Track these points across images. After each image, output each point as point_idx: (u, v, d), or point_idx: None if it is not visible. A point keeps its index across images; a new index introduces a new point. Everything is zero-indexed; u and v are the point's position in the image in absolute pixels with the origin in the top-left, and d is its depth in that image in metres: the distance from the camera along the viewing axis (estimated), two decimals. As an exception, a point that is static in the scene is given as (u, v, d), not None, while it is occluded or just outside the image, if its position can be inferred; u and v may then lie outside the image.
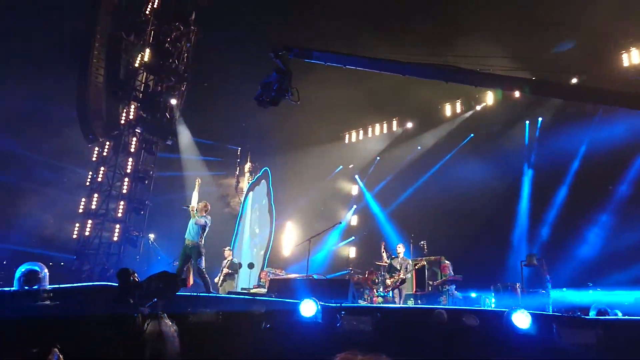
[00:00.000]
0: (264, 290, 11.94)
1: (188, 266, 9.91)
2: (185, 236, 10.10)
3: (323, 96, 15.92)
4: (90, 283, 10.55)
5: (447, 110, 19.84)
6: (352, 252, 21.41)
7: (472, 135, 19.24)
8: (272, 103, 7.91)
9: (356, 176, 23.39)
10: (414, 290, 13.15)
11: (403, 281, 12.37)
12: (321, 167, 22.70)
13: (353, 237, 21.73)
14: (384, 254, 13.25)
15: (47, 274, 6.72)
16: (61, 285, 7.21)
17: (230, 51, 19.51)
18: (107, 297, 6.06)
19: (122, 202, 17.03)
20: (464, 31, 15.12)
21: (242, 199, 20.95)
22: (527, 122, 17.85)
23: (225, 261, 13.67)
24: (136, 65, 18.19)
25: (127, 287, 5.55)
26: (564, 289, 12.21)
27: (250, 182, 21.17)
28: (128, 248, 17.23)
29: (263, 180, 20.35)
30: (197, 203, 10.28)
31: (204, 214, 10.18)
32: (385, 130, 22.04)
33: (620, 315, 8.54)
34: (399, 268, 12.49)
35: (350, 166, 23.55)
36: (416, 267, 12.96)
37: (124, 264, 15.37)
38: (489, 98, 18.51)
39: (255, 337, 7.24)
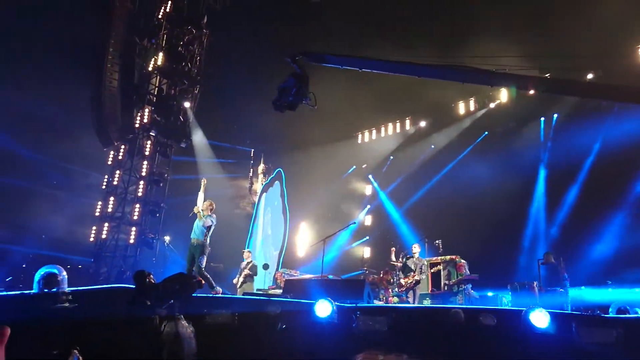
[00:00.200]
0: (279, 291, 11.97)
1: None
2: (191, 235, 10.19)
3: (336, 96, 15.89)
4: (108, 285, 10.69)
5: (461, 108, 19.67)
6: (366, 252, 21.37)
7: (486, 133, 19.08)
8: (290, 107, 7.94)
9: (369, 176, 23.34)
10: (430, 289, 13.07)
11: (417, 282, 12.29)
12: (335, 167, 22.69)
13: (367, 237, 21.69)
14: (393, 257, 13.24)
15: (66, 276, 6.83)
16: (79, 288, 7.32)
17: (241, 53, 19.62)
18: (125, 299, 6.12)
19: (137, 205, 17.18)
20: (474, 31, 15.03)
21: (256, 200, 21.03)
22: (542, 119, 17.66)
23: (245, 263, 13.70)
24: (150, 69, 18.36)
25: (144, 289, 5.61)
26: (582, 288, 12.06)
27: (264, 183, 21.24)
28: (144, 250, 17.37)
29: (277, 181, 20.38)
30: (203, 202, 10.35)
31: (209, 213, 10.23)
32: (398, 130, 21.94)
33: (640, 314, 8.42)
34: (413, 268, 12.43)
35: (364, 166, 23.51)
36: (432, 271, 12.85)
37: (140, 266, 15.51)
38: (503, 95, 18.31)
39: (270, 337, 7.27)
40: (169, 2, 18.61)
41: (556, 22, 15.25)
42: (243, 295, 12.10)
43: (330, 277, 13.23)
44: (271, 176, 20.98)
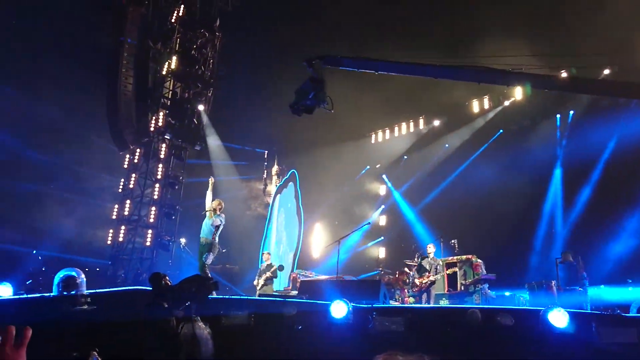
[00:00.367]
0: (295, 292, 11.98)
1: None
2: (200, 235, 10.23)
3: (349, 96, 15.88)
4: (125, 287, 10.79)
5: (475, 106, 19.49)
6: (381, 252, 21.29)
7: (501, 131, 18.90)
8: (307, 111, 7.96)
9: (384, 176, 23.26)
10: (446, 289, 12.97)
11: (432, 283, 12.19)
12: (348, 167, 22.67)
13: (382, 237, 21.62)
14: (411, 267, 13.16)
15: (84, 279, 6.90)
16: (98, 290, 7.40)
17: (252, 53, 19.73)
18: (142, 301, 6.18)
19: (153, 208, 17.33)
20: (486, 30, 14.88)
21: (271, 202, 21.09)
22: (558, 115, 17.44)
23: (265, 265, 13.72)
24: (163, 73, 18.54)
25: (161, 291, 5.66)
26: (602, 287, 11.88)
27: (278, 184, 21.29)
28: (160, 252, 17.52)
29: (291, 183, 20.44)
30: (211, 202, 10.38)
31: (218, 213, 10.25)
32: (411, 129, 21.82)
33: (662, 313, 8.26)
34: (428, 268, 12.33)
35: (378, 166, 23.43)
36: (447, 272, 12.73)
37: (157, 268, 15.66)
38: (517, 93, 18.08)
39: (286, 338, 7.28)
40: (182, 6, 18.77)
41: (569, 18, 15.09)
42: (258, 296, 12.14)
43: (346, 277, 13.20)
44: (285, 177, 21.04)
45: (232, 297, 8.71)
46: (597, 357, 6.61)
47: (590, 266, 12.21)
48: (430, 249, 12.78)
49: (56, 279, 6.79)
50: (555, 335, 6.68)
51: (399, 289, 13.05)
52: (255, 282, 13.43)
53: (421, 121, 21.51)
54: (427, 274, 12.23)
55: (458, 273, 12.95)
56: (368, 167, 23.40)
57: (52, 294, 6.80)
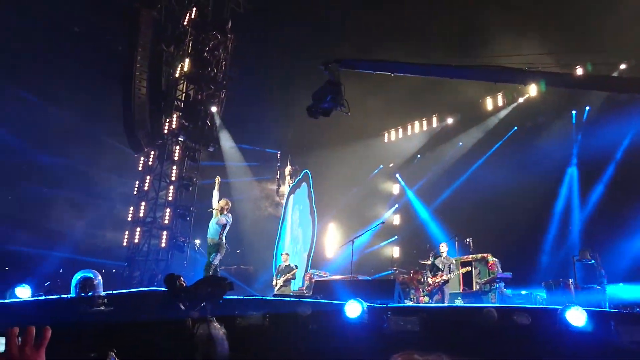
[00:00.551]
0: (309, 292, 11.99)
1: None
2: (207, 235, 10.26)
3: (361, 95, 15.86)
4: (141, 289, 10.90)
5: (489, 104, 19.32)
6: (395, 251, 21.20)
7: (515, 128, 18.72)
8: (324, 114, 7.97)
9: (397, 175, 23.17)
10: (461, 288, 12.86)
11: (446, 282, 12.10)
12: (361, 167, 22.64)
13: (396, 237, 21.54)
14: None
15: (101, 280, 6.99)
16: (114, 292, 7.48)
17: (264, 54, 19.76)
18: (158, 302, 6.23)
19: (168, 209, 17.46)
20: (498, 29, 14.75)
21: (284, 202, 21.14)
22: (574, 111, 17.22)
23: (284, 265, 13.76)
24: (176, 75, 18.67)
25: (176, 292, 5.70)
26: (620, 284, 11.69)
27: (291, 185, 21.32)
28: (175, 254, 17.64)
29: (304, 183, 20.45)
30: (218, 201, 10.40)
31: (225, 212, 10.27)
32: (425, 127, 21.71)
33: (683, 311, 8.10)
34: (441, 267, 12.23)
35: (391, 165, 23.35)
36: (462, 271, 12.63)
37: (172, 269, 15.77)
38: (532, 90, 17.87)
39: (301, 338, 7.29)
40: (194, 8, 18.89)
41: (583, 14, 14.88)
42: (273, 296, 12.17)
43: (360, 277, 13.18)
44: (298, 178, 21.06)
45: (247, 297, 8.74)
46: (616, 356, 6.51)
47: (608, 264, 12.02)
48: (443, 247, 12.67)
49: (74, 281, 6.88)
50: (573, 334, 6.59)
51: (413, 289, 12.98)
52: (274, 283, 13.47)
53: (434, 119, 21.39)
54: (440, 272, 12.14)
55: (473, 272, 12.85)
56: (381, 166, 23.34)
57: (69, 296, 6.89)
